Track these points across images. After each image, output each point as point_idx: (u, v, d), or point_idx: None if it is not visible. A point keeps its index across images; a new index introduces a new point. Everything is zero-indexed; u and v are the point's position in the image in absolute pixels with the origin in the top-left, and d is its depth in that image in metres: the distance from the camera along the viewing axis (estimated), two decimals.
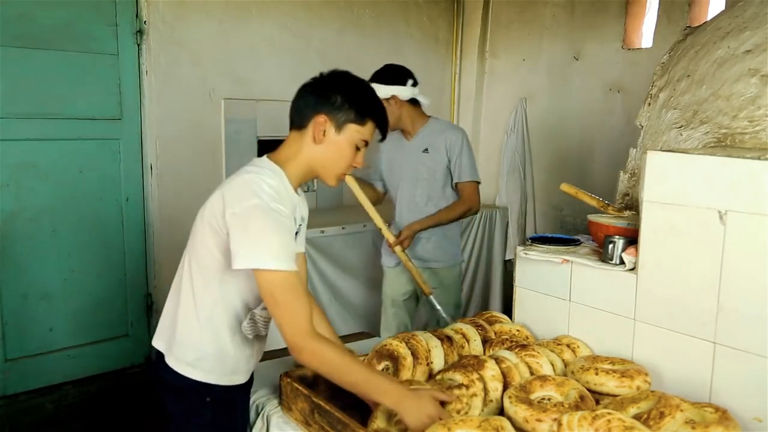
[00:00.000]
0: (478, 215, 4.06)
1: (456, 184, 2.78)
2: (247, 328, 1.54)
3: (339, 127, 1.46)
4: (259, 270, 1.35)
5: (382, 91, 2.69)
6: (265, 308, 1.50)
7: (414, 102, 2.79)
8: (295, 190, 1.52)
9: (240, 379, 1.59)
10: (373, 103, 1.50)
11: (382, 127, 1.53)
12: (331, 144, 1.47)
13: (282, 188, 1.45)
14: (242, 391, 1.64)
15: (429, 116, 2.85)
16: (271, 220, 1.36)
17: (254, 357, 1.62)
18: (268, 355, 1.92)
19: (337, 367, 1.37)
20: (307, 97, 1.49)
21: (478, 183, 2.81)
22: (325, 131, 1.46)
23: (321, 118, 1.45)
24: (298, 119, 1.49)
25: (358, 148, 1.51)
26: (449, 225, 2.81)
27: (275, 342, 1.74)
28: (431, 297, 2.70)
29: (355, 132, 1.47)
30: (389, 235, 2.70)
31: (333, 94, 1.45)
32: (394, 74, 2.75)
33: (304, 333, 1.36)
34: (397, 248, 2.69)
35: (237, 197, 1.39)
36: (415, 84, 2.76)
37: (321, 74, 1.51)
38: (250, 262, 1.35)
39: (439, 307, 2.69)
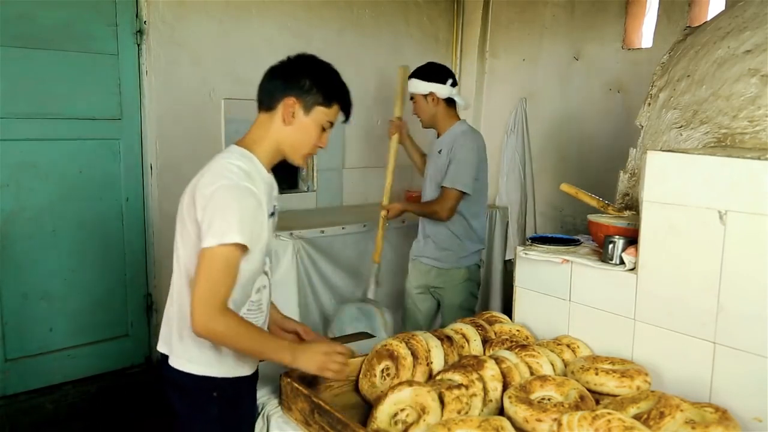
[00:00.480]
0: None
1: (441, 185, 2.81)
2: (249, 317, 1.55)
3: (307, 109, 1.53)
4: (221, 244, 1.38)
5: (422, 86, 2.79)
6: (258, 291, 1.55)
7: (451, 103, 2.85)
8: (269, 171, 1.57)
9: (245, 370, 1.60)
10: (339, 87, 1.58)
11: (346, 109, 1.60)
12: (300, 125, 1.53)
13: (253, 169, 1.50)
14: (248, 384, 1.64)
15: (459, 119, 2.89)
16: (237, 195, 1.41)
17: None
18: None
19: (240, 336, 1.42)
20: (276, 80, 1.55)
21: (460, 192, 2.75)
22: (294, 113, 1.52)
23: (290, 101, 1.51)
24: (267, 101, 1.55)
25: (323, 129, 1.57)
26: (459, 227, 2.83)
27: None
28: (375, 266, 2.94)
29: (322, 114, 1.54)
30: (384, 198, 2.89)
31: (302, 78, 1.52)
32: (435, 72, 2.82)
33: (219, 306, 1.39)
34: (382, 213, 2.88)
35: (207, 183, 1.44)
36: (454, 84, 2.83)
37: (288, 58, 1.58)
38: (215, 240, 1.38)
39: (373, 279, 2.87)
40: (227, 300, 1.42)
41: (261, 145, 1.54)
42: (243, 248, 1.41)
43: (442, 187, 2.77)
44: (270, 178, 1.58)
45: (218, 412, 1.55)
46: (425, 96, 2.79)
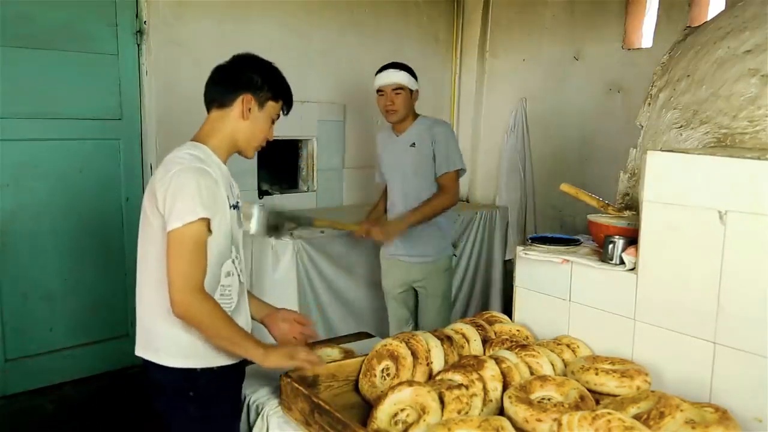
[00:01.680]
0: (478, 215, 4.06)
1: (437, 177, 2.82)
2: (221, 302, 1.56)
3: (261, 105, 1.64)
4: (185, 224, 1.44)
5: (412, 83, 2.83)
6: (227, 275, 1.58)
7: None
8: (224, 163, 1.64)
9: (225, 360, 1.60)
10: (284, 84, 1.69)
11: (289, 104, 1.72)
12: (256, 120, 1.64)
13: (206, 157, 1.56)
14: (228, 379, 1.64)
15: (418, 114, 2.93)
16: (191, 175, 1.47)
17: None
18: None
19: (218, 320, 1.47)
20: (229, 79, 1.64)
21: (460, 171, 2.83)
22: (250, 108, 1.62)
23: (248, 97, 1.61)
24: (221, 99, 1.63)
25: (272, 123, 1.69)
26: (442, 219, 2.84)
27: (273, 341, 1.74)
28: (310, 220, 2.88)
29: (272, 109, 1.66)
30: (358, 226, 2.85)
31: (254, 76, 1.63)
32: (413, 71, 2.87)
33: (195, 287, 1.45)
34: (357, 231, 2.82)
35: (161, 175, 1.51)
36: None
37: (234, 58, 1.68)
38: (180, 221, 1.44)
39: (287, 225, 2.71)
40: (203, 280, 1.47)
41: (215, 139, 1.62)
42: (207, 223, 1.47)
43: (443, 174, 2.79)
44: (227, 172, 1.64)
45: (195, 410, 1.56)
46: (411, 91, 2.83)
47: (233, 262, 1.63)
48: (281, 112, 1.70)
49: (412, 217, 2.75)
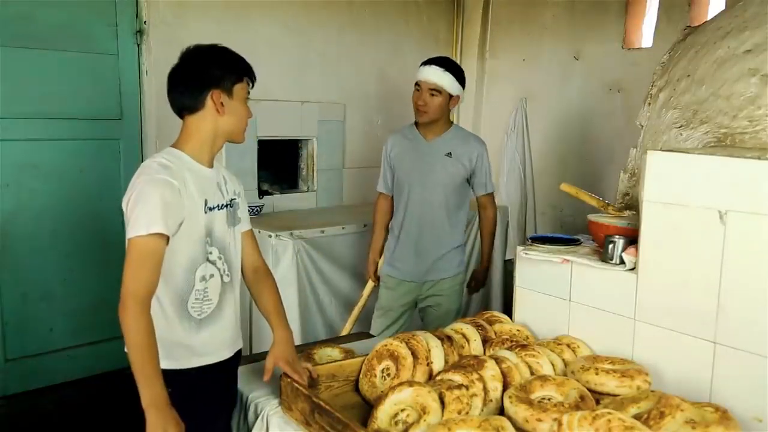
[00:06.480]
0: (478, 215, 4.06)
1: (478, 197, 2.78)
2: (196, 306, 1.57)
3: (230, 93, 1.64)
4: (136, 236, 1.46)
5: (455, 87, 2.61)
6: (203, 280, 1.58)
7: None
8: (210, 165, 1.66)
9: (209, 359, 1.61)
10: (240, 61, 1.69)
11: (253, 76, 1.72)
12: (231, 109, 1.65)
13: (177, 163, 1.58)
14: (216, 371, 1.64)
15: (452, 122, 2.78)
16: (150, 188, 1.49)
17: (220, 334, 1.65)
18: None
19: (139, 343, 1.45)
20: (190, 82, 1.64)
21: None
22: (222, 102, 1.62)
23: (216, 93, 1.62)
24: (190, 104, 1.64)
25: (245, 102, 1.70)
26: (453, 235, 2.74)
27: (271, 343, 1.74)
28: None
29: (241, 90, 1.67)
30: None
31: (211, 70, 1.63)
32: (462, 74, 2.68)
33: (135, 297, 1.43)
34: (371, 282, 2.98)
35: (131, 183, 1.55)
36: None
37: (183, 58, 1.70)
38: (133, 231, 1.46)
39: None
40: (149, 294, 1.46)
41: (193, 143, 1.64)
42: (161, 237, 1.47)
43: (484, 195, 2.77)
44: (210, 173, 1.65)
45: (176, 406, 1.54)
46: (451, 96, 2.60)
47: (214, 263, 1.62)
48: (249, 86, 1.71)
49: (489, 256, 2.92)
